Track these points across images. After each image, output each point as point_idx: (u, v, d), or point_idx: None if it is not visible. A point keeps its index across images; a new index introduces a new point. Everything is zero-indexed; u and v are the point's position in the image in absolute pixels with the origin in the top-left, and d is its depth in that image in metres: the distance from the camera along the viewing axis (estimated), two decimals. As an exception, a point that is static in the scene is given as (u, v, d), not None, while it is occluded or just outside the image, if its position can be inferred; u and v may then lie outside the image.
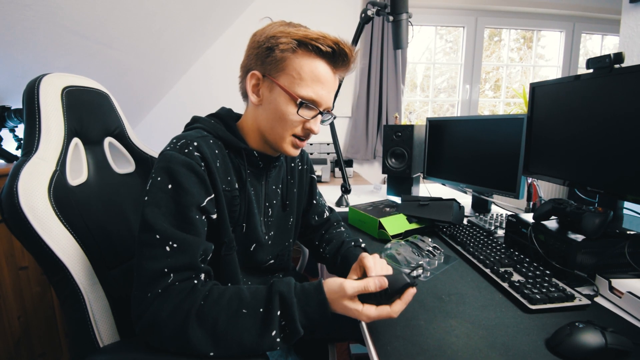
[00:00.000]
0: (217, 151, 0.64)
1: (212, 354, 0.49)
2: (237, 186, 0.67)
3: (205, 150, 0.60)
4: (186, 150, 0.58)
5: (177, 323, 0.49)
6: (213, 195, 0.61)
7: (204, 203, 0.58)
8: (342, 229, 0.93)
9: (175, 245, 0.53)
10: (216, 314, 0.50)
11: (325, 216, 0.94)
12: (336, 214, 0.98)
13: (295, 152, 0.70)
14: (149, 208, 0.54)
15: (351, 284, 0.51)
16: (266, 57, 0.63)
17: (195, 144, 0.60)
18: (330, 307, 0.52)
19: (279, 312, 0.51)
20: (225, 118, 0.70)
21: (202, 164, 0.59)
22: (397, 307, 0.52)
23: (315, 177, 0.93)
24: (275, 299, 0.51)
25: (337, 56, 0.63)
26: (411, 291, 0.53)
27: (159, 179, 0.56)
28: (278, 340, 0.50)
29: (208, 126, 0.67)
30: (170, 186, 0.56)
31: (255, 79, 0.65)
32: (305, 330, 0.52)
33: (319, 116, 0.67)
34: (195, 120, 0.70)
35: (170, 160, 0.57)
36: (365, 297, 0.52)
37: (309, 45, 0.61)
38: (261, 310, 0.51)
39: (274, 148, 0.70)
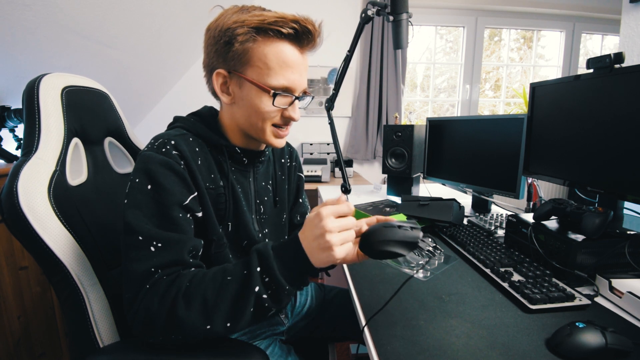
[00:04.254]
0: (197, 149, 0.63)
1: (208, 327, 0.49)
2: (221, 184, 0.65)
3: (184, 148, 0.59)
4: (164, 150, 0.58)
5: (167, 310, 0.49)
6: (196, 194, 0.60)
7: (187, 201, 0.58)
8: None
9: (159, 244, 0.53)
10: (203, 290, 0.50)
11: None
12: None
13: (280, 143, 0.68)
14: (129, 211, 0.54)
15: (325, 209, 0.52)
16: (227, 52, 0.60)
17: (173, 142, 0.59)
18: (311, 253, 0.51)
19: (258, 269, 0.51)
20: (205, 116, 0.69)
21: (182, 162, 0.58)
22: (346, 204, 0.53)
23: (303, 176, 0.92)
24: (253, 257, 0.52)
25: (300, 35, 0.59)
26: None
27: (137, 180, 0.56)
28: (265, 297, 0.50)
29: (187, 124, 0.66)
30: (149, 187, 0.55)
31: (221, 77, 0.62)
32: (292, 285, 0.51)
33: (296, 102, 0.64)
34: (176, 119, 0.69)
35: (147, 160, 0.56)
36: None
37: (268, 30, 0.57)
38: (245, 272, 0.52)
39: (258, 141, 0.69)
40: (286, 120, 0.65)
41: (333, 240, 0.50)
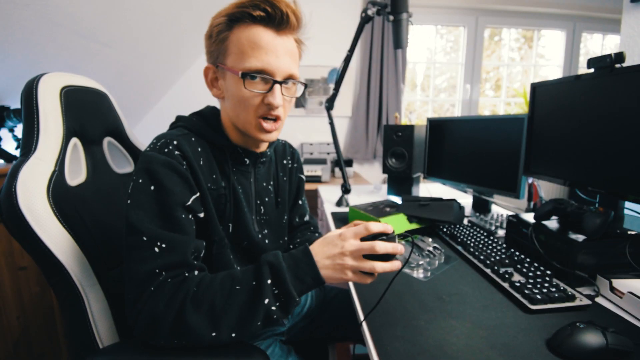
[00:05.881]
0: (199, 149, 0.62)
1: (214, 334, 0.49)
2: (223, 184, 0.65)
3: (186, 148, 0.59)
4: (166, 150, 0.57)
5: (174, 313, 0.49)
6: (198, 194, 0.60)
7: (190, 202, 0.57)
8: (317, 235, 0.93)
9: (163, 245, 0.52)
10: (211, 296, 0.50)
11: (305, 219, 0.94)
12: (315, 221, 0.98)
13: (269, 137, 0.64)
14: (132, 211, 0.53)
15: (355, 242, 0.52)
16: (210, 46, 0.62)
17: (175, 142, 0.58)
18: (322, 270, 0.53)
19: (269, 281, 0.51)
20: (207, 116, 0.69)
21: (184, 162, 0.58)
22: (373, 225, 0.53)
23: (304, 178, 0.92)
24: (264, 269, 0.52)
25: (274, 17, 0.57)
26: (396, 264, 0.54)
27: (140, 181, 0.55)
28: (274, 308, 0.50)
29: (189, 124, 0.66)
30: (152, 187, 0.55)
31: (211, 72, 0.64)
32: (301, 295, 0.52)
33: (277, 86, 0.60)
34: (178, 119, 0.69)
35: (150, 161, 0.56)
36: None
37: (240, 16, 0.58)
38: (254, 283, 0.51)
39: (248, 137, 0.66)
40: (269, 107, 0.61)
41: (348, 263, 0.52)
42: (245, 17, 0.57)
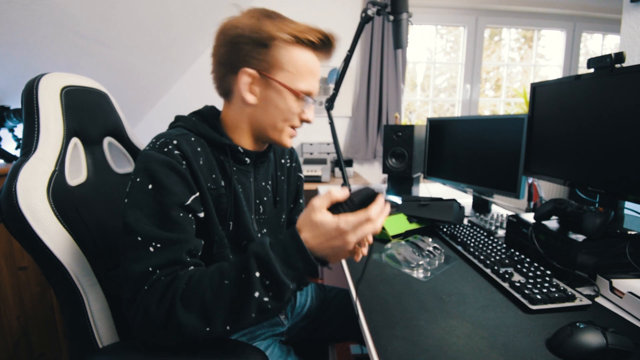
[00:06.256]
0: (199, 149, 0.62)
1: (208, 329, 0.49)
2: (223, 184, 0.65)
3: (186, 148, 0.59)
4: (165, 149, 0.57)
5: (165, 312, 0.49)
6: (198, 194, 0.60)
7: (189, 202, 0.57)
8: None
9: (158, 245, 0.52)
10: (201, 293, 0.50)
11: None
12: None
13: (292, 143, 0.73)
14: (130, 210, 0.53)
15: (316, 200, 0.53)
16: (259, 54, 0.61)
17: (175, 142, 0.58)
18: (311, 248, 0.52)
19: (257, 273, 0.50)
20: (207, 115, 0.69)
21: (183, 162, 0.58)
22: (373, 212, 0.51)
23: (302, 176, 0.92)
24: (251, 262, 0.51)
25: (324, 47, 0.65)
26: (381, 199, 0.54)
27: (138, 180, 0.55)
28: (266, 299, 0.50)
29: (189, 124, 0.66)
30: (150, 186, 0.54)
31: (250, 78, 0.63)
32: (295, 282, 0.52)
33: (312, 105, 0.70)
34: (177, 119, 0.69)
35: (149, 160, 0.56)
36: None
37: (302, 39, 0.62)
38: (242, 276, 0.51)
39: (272, 143, 0.71)
40: (302, 122, 0.70)
41: (350, 249, 0.53)
42: (305, 41, 0.63)
